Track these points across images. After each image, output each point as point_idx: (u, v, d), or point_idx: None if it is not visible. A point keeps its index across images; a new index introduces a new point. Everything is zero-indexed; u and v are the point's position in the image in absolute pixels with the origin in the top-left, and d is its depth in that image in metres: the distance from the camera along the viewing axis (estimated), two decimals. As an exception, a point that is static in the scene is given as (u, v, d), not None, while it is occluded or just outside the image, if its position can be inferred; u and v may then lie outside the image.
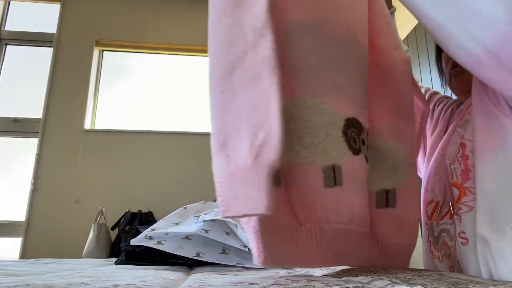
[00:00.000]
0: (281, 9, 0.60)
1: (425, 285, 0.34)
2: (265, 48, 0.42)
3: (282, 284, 0.38)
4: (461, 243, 0.59)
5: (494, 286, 0.34)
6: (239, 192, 0.40)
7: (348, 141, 0.59)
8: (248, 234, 0.48)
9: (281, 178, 0.55)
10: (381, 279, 0.39)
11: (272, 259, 0.47)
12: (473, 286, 0.34)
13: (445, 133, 0.76)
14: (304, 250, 0.52)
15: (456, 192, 0.62)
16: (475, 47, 0.42)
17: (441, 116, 0.79)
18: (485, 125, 0.56)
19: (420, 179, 0.79)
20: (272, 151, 0.39)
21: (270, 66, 0.41)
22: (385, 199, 0.65)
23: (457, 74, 0.71)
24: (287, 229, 0.53)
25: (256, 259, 0.47)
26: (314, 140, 0.56)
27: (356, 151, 0.59)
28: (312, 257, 0.52)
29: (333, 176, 0.56)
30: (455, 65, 0.71)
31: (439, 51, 0.80)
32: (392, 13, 0.85)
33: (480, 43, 0.41)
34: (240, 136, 0.41)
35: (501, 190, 0.52)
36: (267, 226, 0.49)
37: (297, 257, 0.51)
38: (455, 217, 0.61)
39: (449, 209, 0.64)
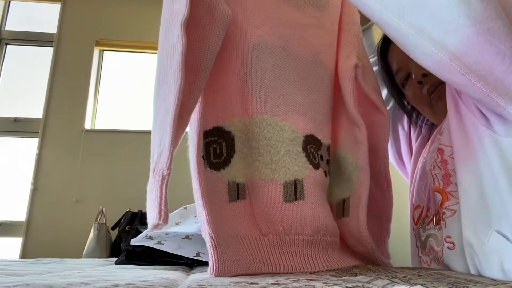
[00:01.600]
0: (244, 29, 0.62)
1: (425, 284, 0.34)
2: (176, 64, 0.46)
3: (282, 284, 0.38)
4: (448, 247, 0.59)
5: (494, 286, 0.34)
6: (149, 204, 0.45)
7: (308, 156, 0.61)
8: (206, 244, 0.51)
9: (246, 192, 0.59)
10: (381, 278, 0.39)
11: (228, 269, 0.50)
12: (473, 285, 0.34)
13: (428, 139, 0.76)
14: (267, 258, 0.55)
15: (439, 197, 0.62)
16: (439, 52, 0.42)
17: (425, 122, 0.79)
18: (461, 130, 0.56)
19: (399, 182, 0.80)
20: (163, 163, 0.43)
21: (177, 81, 0.45)
22: (342, 208, 0.66)
23: (439, 97, 0.68)
24: (251, 239, 0.56)
25: (210, 270, 0.49)
26: (274, 157, 0.59)
27: (316, 166, 0.61)
28: (275, 264, 0.54)
29: (293, 190, 0.58)
30: (433, 90, 0.68)
31: (399, 91, 0.78)
32: (369, 28, 0.87)
33: (444, 48, 0.42)
34: (155, 150, 0.46)
35: (481, 194, 0.52)
36: (224, 238, 0.52)
37: (259, 264, 0.54)
38: (441, 222, 0.61)
39: (434, 215, 0.64)
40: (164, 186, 0.42)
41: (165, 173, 0.43)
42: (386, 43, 0.77)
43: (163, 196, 0.42)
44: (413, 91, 0.72)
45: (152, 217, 0.42)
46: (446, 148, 0.62)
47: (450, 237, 0.59)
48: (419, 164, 0.73)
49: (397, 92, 0.79)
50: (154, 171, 0.44)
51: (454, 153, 0.58)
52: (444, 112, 0.68)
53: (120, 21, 2.57)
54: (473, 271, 0.53)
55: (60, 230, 2.11)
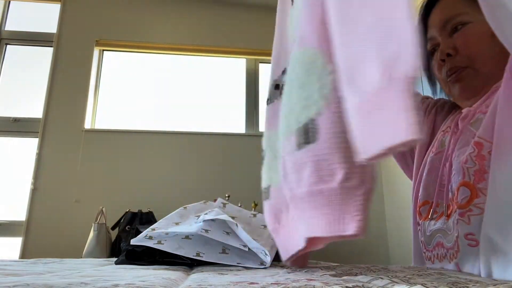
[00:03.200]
0: None
1: (425, 284, 0.34)
2: None
3: (282, 284, 0.38)
4: (468, 244, 0.58)
5: (494, 285, 0.34)
6: (374, 124, 0.33)
7: None
8: (352, 201, 0.41)
9: None
10: (381, 278, 0.39)
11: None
12: (472, 285, 0.34)
13: (431, 133, 0.75)
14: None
15: (466, 192, 0.60)
16: None
17: (426, 116, 0.78)
18: (509, 125, 0.53)
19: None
20: (408, 61, 0.31)
21: None
22: None
23: (455, 82, 0.68)
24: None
25: (355, 229, 0.40)
26: None
27: None
28: None
29: None
30: (451, 74, 0.68)
31: (428, 59, 0.77)
32: None
33: None
34: (367, 62, 0.35)
35: None
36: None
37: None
38: (458, 217, 0.59)
39: (445, 210, 0.63)
40: (409, 94, 0.31)
41: (410, 75, 0.31)
42: (430, 6, 0.75)
43: (410, 107, 0.31)
44: (437, 65, 0.72)
45: (396, 135, 0.31)
46: (485, 143, 0.59)
47: (473, 235, 0.57)
48: (427, 159, 0.71)
49: (427, 57, 0.77)
50: (390, 78, 0.32)
51: (493, 147, 0.55)
52: (460, 96, 0.68)
53: (120, 21, 2.57)
54: (484, 269, 0.52)
55: (60, 230, 2.11)
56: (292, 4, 0.76)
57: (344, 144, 0.40)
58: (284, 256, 0.61)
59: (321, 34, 0.46)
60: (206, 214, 0.94)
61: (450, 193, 0.64)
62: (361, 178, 0.41)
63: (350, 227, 0.40)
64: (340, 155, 0.41)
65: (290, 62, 0.48)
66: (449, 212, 0.63)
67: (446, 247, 0.61)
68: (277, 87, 0.76)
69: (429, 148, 0.73)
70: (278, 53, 0.78)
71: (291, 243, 0.58)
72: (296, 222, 0.49)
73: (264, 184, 0.67)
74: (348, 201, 0.40)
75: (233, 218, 0.91)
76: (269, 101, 0.76)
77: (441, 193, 0.65)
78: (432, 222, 0.66)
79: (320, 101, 0.42)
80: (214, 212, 0.94)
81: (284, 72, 0.75)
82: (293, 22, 0.75)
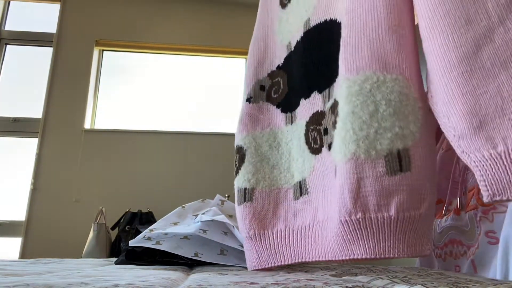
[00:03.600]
0: None
1: (425, 284, 0.34)
2: None
3: (282, 284, 0.38)
4: (489, 242, 0.57)
5: (494, 285, 0.34)
6: None
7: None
8: (428, 225, 0.48)
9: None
10: (381, 278, 0.39)
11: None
12: (473, 285, 0.34)
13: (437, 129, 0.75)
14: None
15: None
16: None
17: None
18: None
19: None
20: None
21: None
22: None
23: None
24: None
25: (429, 250, 0.46)
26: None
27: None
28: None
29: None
30: None
31: None
32: None
33: None
34: (506, 115, 0.39)
35: None
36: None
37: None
38: (481, 215, 0.59)
39: (457, 206, 0.63)
40: None
41: None
42: None
43: None
44: None
45: None
46: None
47: (494, 233, 0.57)
48: (437, 158, 0.71)
49: None
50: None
51: None
52: None
53: (120, 21, 2.57)
54: (500, 268, 0.52)
55: (60, 230, 2.11)
56: (283, 7, 0.75)
57: (431, 176, 0.47)
58: (263, 262, 0.62)
59: (411, 66, 0.49)
60: (203, 214, 0.94)
61: (464, 190, 0.63)
62: (433, 205, 0.48)
63: (426, 249, 0.45)
64: (429, 185, 0.47)
65: (368, 83, 0.49)
66: (460, 208, 0.62)
67: (466, 244, 0.61)
68: (262, 88, 0.77)
69: (438, 145, 0.72)
70: (261, 54, 0.78)
71: (288, 253, 0.59)
72: (339, 239, 0.49)
73: (242, 184, 0.66)
74: (426, 225, 0.46)
75: (230, 216, 0.91)
76: (253, 100, 0.76)
77: (454, 191, 0.65)
78: (444, 219, 0.66)
79: (416, 134, 0.47)
80: (211, 211, 0.94)
81: (270, 75, 0.76)
82: (283, 26, 0.74)
